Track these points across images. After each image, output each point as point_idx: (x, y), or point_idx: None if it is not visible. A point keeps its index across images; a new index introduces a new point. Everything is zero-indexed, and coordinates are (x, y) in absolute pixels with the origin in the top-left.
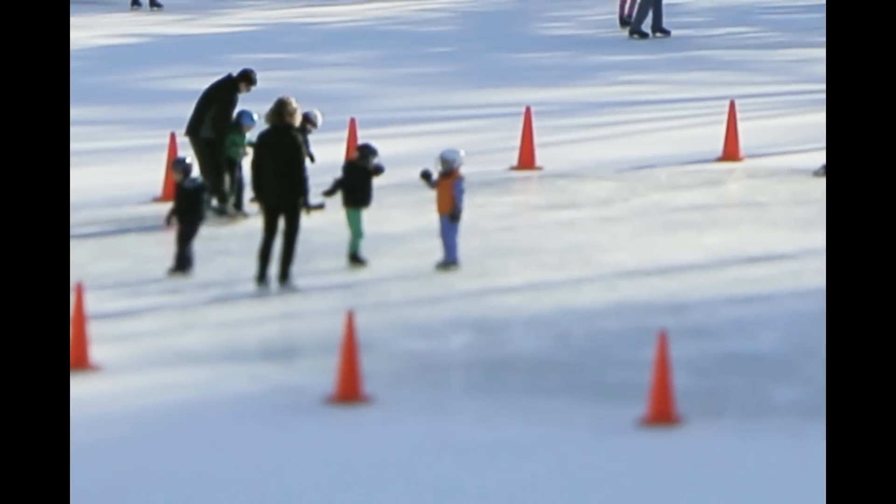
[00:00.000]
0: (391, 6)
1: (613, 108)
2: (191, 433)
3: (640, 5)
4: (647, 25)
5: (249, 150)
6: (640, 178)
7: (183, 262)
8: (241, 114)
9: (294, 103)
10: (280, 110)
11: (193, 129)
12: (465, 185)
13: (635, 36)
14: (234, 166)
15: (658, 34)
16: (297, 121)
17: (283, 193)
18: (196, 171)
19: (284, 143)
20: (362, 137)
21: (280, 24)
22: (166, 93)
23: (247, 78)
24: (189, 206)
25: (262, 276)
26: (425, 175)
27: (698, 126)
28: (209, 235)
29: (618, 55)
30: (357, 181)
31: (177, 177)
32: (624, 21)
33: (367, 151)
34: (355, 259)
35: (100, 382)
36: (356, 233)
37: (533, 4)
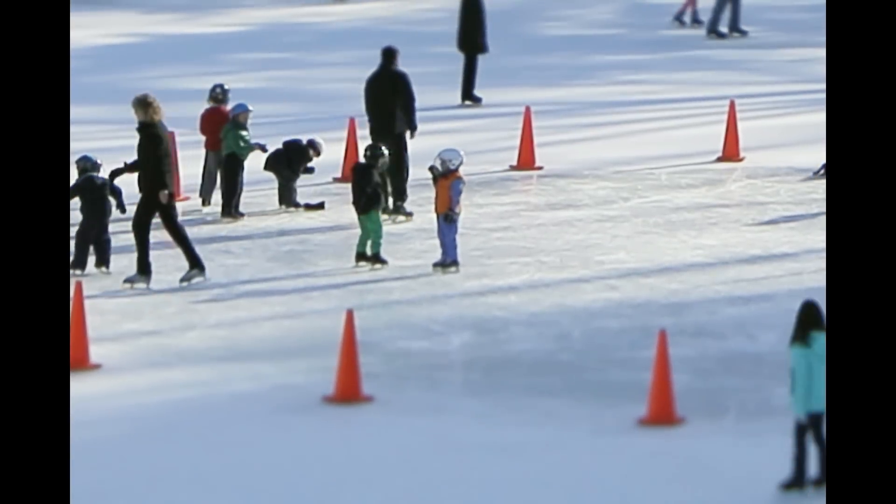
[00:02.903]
0: (390, 6)
1: (613, 107)
2: (190, 432)
3: (716, 4)
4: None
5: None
6: (640, 177)
7: (80, 260)
8: (238, 107)
9: (155, 100)
10: (145, 107)
11: (386, 129)
12: (464, 185)
13: (712, 35)
14: (239, 164)
15: (735, 34)
16: (161, 117)
17: (150, 191)
18: (104, 170)
19: (147, 140)
20: (362, 137)
21: (280, 23)
22: (166, 92)
23: (392, 53)
24: (87, 202)
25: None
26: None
27: (698, 126)
28: (209, 235)
29: (617, 55)
30: (364, 183)
31: (78, 172)
32: (679, 18)
33: (376, 153)
34: (377, 258)
35: (99, 382)
36: (376, 233)
37: (533, 4)
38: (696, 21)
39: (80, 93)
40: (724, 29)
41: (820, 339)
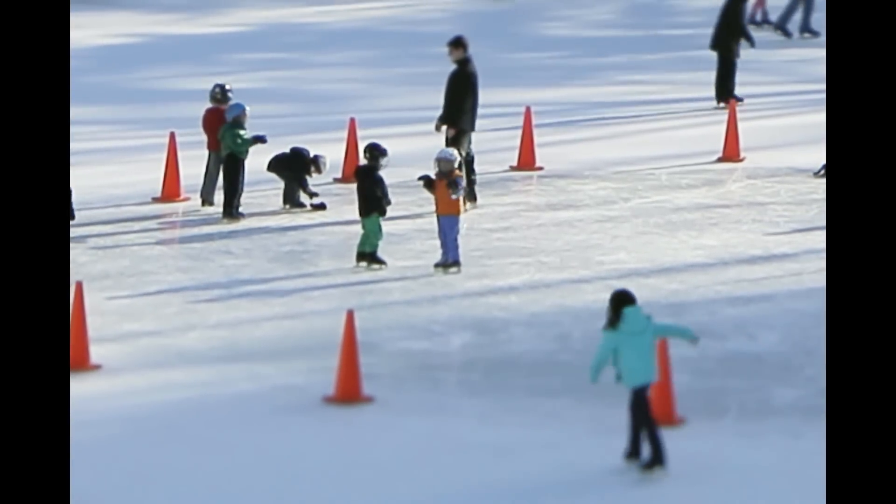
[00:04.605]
0: (390, 6)
1: (613, 108)
2: (190, 433)
3: (788, 4)
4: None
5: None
6: (641, 178)
7: None
8: (234, 107)
9: None
10: None
11: (453, 120)
12: (463, 183)
13: (779, 32)
14: (239, 164)
15: (805, 34)
16: None
17: None
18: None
19: None
20: (362, 138)
21: (279, 23)
22: (166, 92)
23: (462, 45)
24: None
25: None
26: (426, 182)
27: (698, 126)
28: (209, 236)
29: (618, 55)
30: (366, 186)
31: None
32: (753, 20)
33: (376, 153)
34: (374, 258)
35: (99, 382)
36: (374, 233)
37: (533, 4)
38: (766, 21)
39: (80, 93)
40: (791, 28)
41: (628, 316)
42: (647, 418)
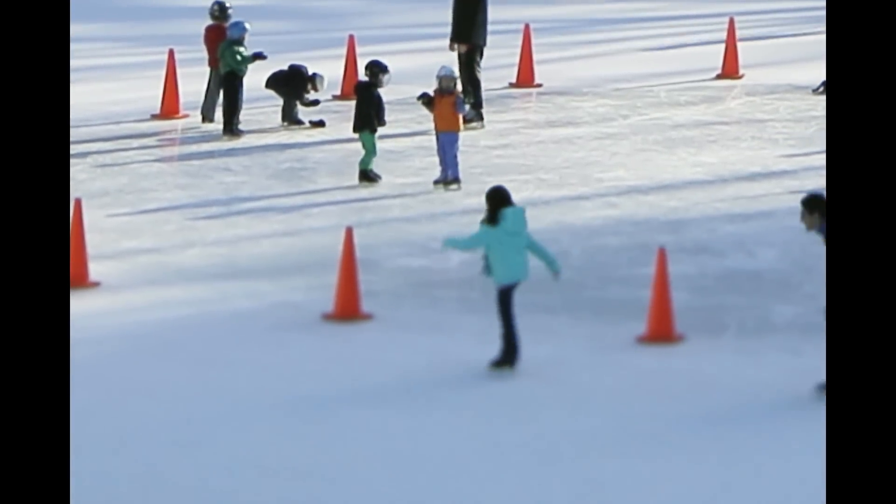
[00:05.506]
0: None
1: (613, 25)
2: (189, 349)
3: None
4: None
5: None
6: (639, 95)
7: None
8: (236, 26)
9: None
10: None
11: (466, 36)
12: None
13: None
14: (239, 81)
15: None
16: None
17: None
18: None
19: None
20: (361, 55)
21: None
22: (165, 9)
23: None
24: None
25: None
26: (426, 100)
27: (697, 43)
28: (208, 153)
29: None
30: (365, 102)
31: None
32: None
33: (376, 70)
34: (366, 175)
35: (98, 299)
36: (368, 150)
37: None
38: None
39: (80, 10)
40: None
41: (509, 217)
42: (507, 317)
